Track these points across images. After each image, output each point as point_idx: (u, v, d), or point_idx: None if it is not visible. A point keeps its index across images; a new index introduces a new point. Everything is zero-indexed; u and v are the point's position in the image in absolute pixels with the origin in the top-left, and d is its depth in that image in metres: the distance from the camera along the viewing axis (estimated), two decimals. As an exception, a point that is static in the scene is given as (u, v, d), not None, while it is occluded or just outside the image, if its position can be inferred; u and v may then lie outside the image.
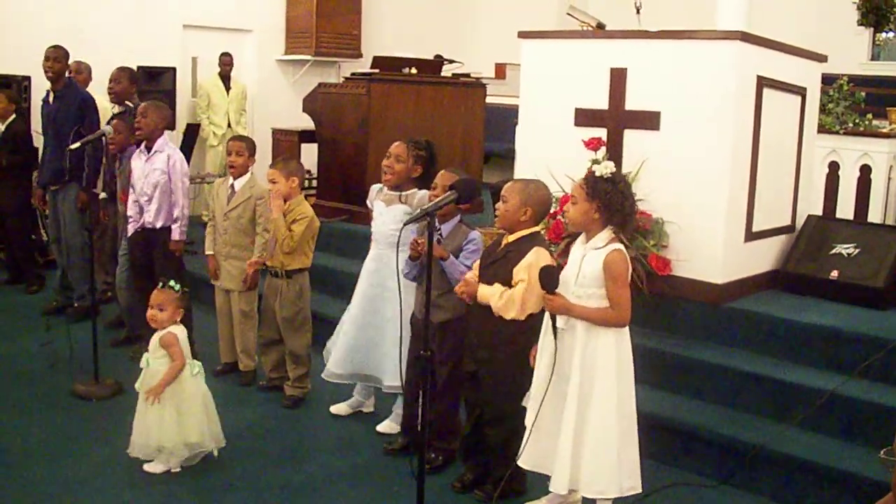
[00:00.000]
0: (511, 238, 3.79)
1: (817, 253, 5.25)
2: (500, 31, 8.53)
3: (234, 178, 5.29)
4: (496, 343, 3.78)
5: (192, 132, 9.18)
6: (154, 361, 4.15)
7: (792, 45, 5.27)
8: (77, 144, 5.29)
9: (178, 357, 4.13)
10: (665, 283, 4.86)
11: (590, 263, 3.46)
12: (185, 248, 5.69)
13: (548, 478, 3.58)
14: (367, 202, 4.81)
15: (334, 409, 4.96)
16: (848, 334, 4.48)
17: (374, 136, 7.14)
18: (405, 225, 3.54)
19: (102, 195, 6.22)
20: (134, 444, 4.14)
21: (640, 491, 3.56)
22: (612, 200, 3.44)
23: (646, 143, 5.00)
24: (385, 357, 4.58)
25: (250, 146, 5.34)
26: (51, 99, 6.48)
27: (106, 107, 6.96)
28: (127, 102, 6.45)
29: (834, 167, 7.10)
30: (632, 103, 5.05)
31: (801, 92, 5.44)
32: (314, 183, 8.29)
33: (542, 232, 4.66)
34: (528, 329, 3.73)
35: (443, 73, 8.18)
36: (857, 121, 7.24)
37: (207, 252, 5.39)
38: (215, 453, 4.22)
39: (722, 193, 4.80)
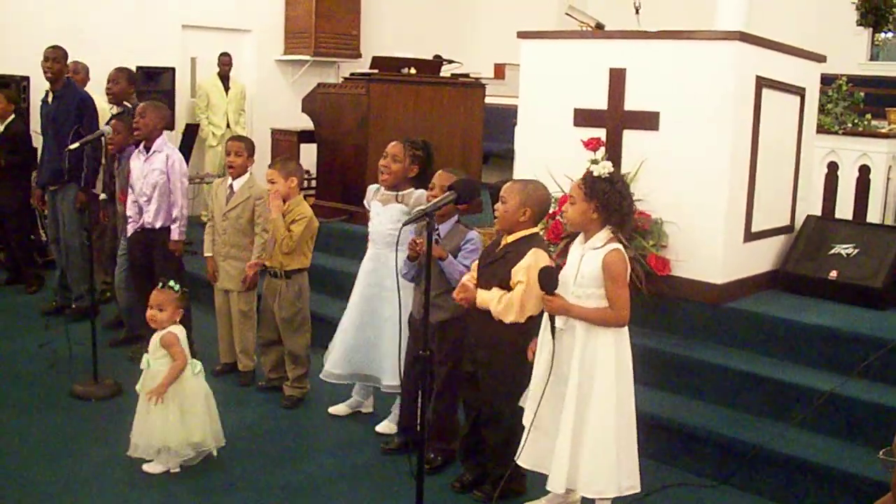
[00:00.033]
0: (510, 239, 3.79)
1: (816, 253, 5.25)
2: (499, 32, 8.54)
3: (233, 179, 5.29)
4: (495, 344, 3.78)
5: (191, 132, 9.18)
6: (154, 362, 4.15)
7: (791, 46, 5.27)
8: (76, 145, 5.29)
9: (180, 357, 4.13)
10: (664, 284, 4.86)
11: (588, 263, 3.46)
12: (185, 248, 5.69)
13: (547, 477, 3.58)
14: (365, 202, 4.81)
15: (333, 409, 4.96)
16: (847, 334, 4.49)
17: (373, 136, 7.14)
18: (404, 225, 3.54)
19: (102, 196, 6.22)
20: (136, 446, 4.13)
21: (639, 490, 3.56)
22: (610, 200, 3.44)
23: (645, 144, 5.00)
24: (384, 357, 4.59)
25: (249, 146, 5.34)
26: (50, 99, 6.48)
27: (104, 108, 6.96)
28: (125, 103, 6.44)
29: (833, 167, 7.10)
30: (631, 103, 5.05)
31: (800, 92, 5.44)
32: (313, 183, 8.29)
33: (542, 232, 4.67)
34: (526, 330, 3.73)
35: (442, 74, 8.19)
36: (855, 121, 7.24)
37: (206, 254, 5.39)
38: (214, 453, 4.22)
39: (721, 194, 4.80)
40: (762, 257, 5.27)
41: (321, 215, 5.97)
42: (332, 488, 4.10)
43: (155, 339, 4.18)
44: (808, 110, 5.59)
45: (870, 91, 8.10)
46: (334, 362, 4.73)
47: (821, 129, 6.60)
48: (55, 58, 6.33)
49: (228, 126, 9.66)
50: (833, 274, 5.09)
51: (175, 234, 5.45)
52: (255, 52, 10.55)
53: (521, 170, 5.50)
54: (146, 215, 5.44)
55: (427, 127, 7.39)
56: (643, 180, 4.94)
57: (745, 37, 4.81)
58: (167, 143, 5.52)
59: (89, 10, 8.86)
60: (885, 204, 6.96)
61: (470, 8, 12.54)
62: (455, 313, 4.02)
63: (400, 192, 4.59)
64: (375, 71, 7.52)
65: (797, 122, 5.49)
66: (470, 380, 3.95)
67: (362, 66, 8.94)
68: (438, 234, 4.11)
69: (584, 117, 5.25)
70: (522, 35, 5.61)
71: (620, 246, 3.47)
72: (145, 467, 4.13)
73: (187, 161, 6.63)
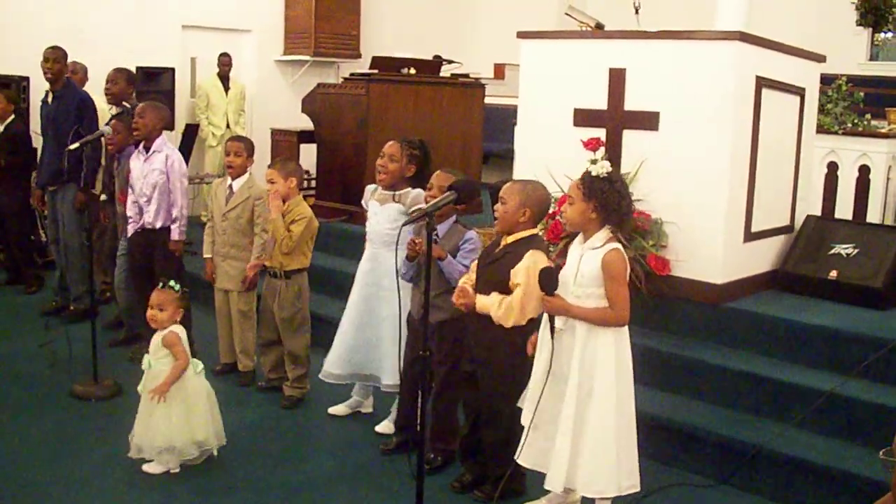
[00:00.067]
0: (510, 239, 3.79)
1: (816, 253, 5.25)
2: (498, 32, 8.53)
3: (233, 179, 5.29)
4: (493, 344, 3.78)
5: (191, 132, 9.18)
6: (156, 362, 4.15)
7: (791, 46, 5.27)
8: (76, 145, 5.28)
9: (182, 356, 4.14)
10: (664, 284, 4.86)
11: (588, 263, 3.46)
12: (185, 248, 5.69)
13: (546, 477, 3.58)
14: (363, 202, 4.82)
15: (333, 409, 4.96)
16: (847, 334, 4.49)
17: (373, 136, 7.14)
18: (404, 225, 3.55)
19: (103, 197, 6.22)
20: (138, 447, 4.13)
21: (638, 490, 3.56)
22: (608, 200, 3.44)
23: (645, 144, 5.00)
24: (383, 356, 4.59)
25: (248, 146, 5.34)
26: (49, 99, 6.48)
27: (103, 108, 6.96)
28: (124, 103, 6.44)
29: (833, 167, 7.10)
30: (631, 103, 5.06)
31: (799, 92, 5.44)
32: (313, 183, 8.29)
33: (541, 232, 4.67)
34: (526, 330, 3.73)
35: (442, 74, 8.18)
36: (855, 121, 7.24)
37: (205, 255, 5.39)
38: (215, 452, 4.23)
39: (721, 194, 4.80)
40: (762, 257, 5.27)
41: (321, 215, 5.97)
42: (331, 488, 4.10)
43: (156, 339, 4.18)
44: (808, 110, 5.59)
45: (869, 91, 8.10)
46: (333, 362, 4.73)
47: (821, 129, 6.60)
48: (55, 58, 6.33)
49: (228, 126, 9.66)
50: (833, 274, 5.09)
51: (175, 234, 5.45)
52: (254, 52, 10.55)
53: (520, 170, 5.50)
54: (146, 215, 5.44)
55: (427, 127, 7.39)
56: (643, 180, 4.94)
57: (744, 37, 4.81)
58: (167, 143, 5.52)
59: (89, 10, 8.86)
60: (885, 204, 6.96)
61: (470, 8, 12.54)
62: (454, 313, 4.02)
63: (397, 192, 4.59)
64: (375, 71, 7.52)
65: (797, 122, 5.49)
66: (469, 380, 3.95)
67: (362, 66, 8.94)
68: (437, 234, 4.11)
69: (583, 117, 5.25)
70: (522, 35, 5.61)
71: (620, 245, 3.47)
72: (145, 467, 4.13)
73: (187, 161, 6.63)
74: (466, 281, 3.92)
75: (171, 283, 4.22)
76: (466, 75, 8.27)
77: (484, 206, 7.40)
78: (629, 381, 3.54)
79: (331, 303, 5.99)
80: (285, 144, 8.63)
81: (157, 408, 4.06)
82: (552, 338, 3.49)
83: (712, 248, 4.85)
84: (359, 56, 10.76)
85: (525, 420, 3.64)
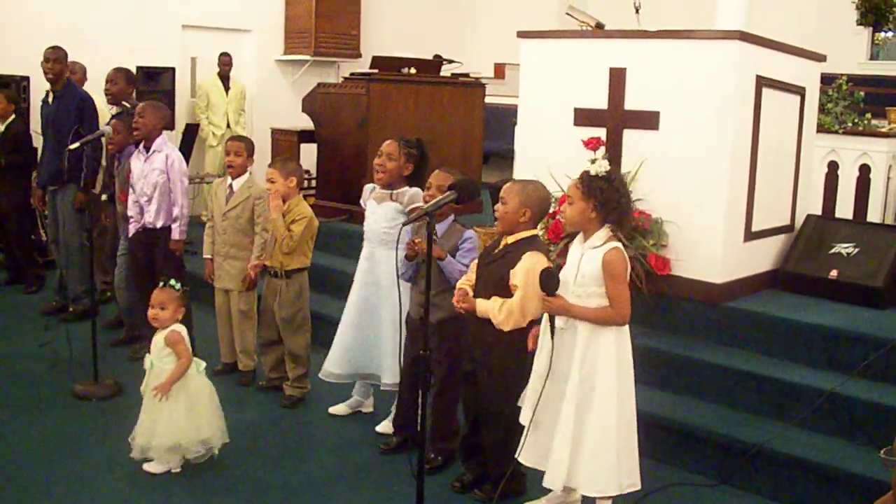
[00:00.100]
0: (510, 240, 3.79)
1: (816, 252, 5.25)
2: (499, 31, 8.54)
3: (233, 179, 5.29)
4: (493, 343, 3.77)
5: (192, 132, 9.18)
6: (159, 361, 4.15)
7: (791, 45, 5.27)
8: (76, 145, 5.29)
9: (185, 355, 4.14)
10: (664, 283, 4.86)
11: (588, 262, 3.46)
12: (185, 247, 5.69)
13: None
14: (361, 202, 4.83)
15: (333, 409, 4.96)
16: (847, 333, 4.49)
17: (373, 136, 7.14)
18: (405, 224, 3.55)
19: (104, 197, 6.22)
20: (142, 448, 4.12)
21: (639, 488, 3.56)
22: (608, 198, 3.44)
23: (645, 143, 5.00)
24: (382, 355, 4.60)
25: (249, 146, 5.34)
26: (50, 99, 6.48)
27: (103, 108, 6.96)
28: (124, 103, 6.44)
29: (833, 167, 7.10)
30: (631, 103, 5.05)
31: (800, 91, 5.44)
32: (313, 183, 8.29)
33: (542, 232, 4.67)
34: (525, 331, 3.73)
35: (442, 73, 8.18)
36: (856, 120, 7.24)
37: (205, 256, 5.39)
38: (216, 451, 4.23)
39: (721, 193, 4.80)
40: (762, 257, 5.27)
41: (321, 215, 5.97)
42: (332, 488, 4.10)
43: (159, 338, 4.18)
44: (809, 110, 5.59)
45: (870, 90, 8.08)
46: (333, 362, 4.74)
47: (821, 128, 6.59)
48: (56, 58, 6.33)
49: (228, 126, 9.67)
50: (833, 273, 5.09)
51: (176, 234, 5.45)
52: (255, 51, 10.56)
53: (521, 169, 5.50)
54: (147, 215, 5.44)
55: (427, 127, 7.39)
56: (643, 180, 4.94)
57: (745, 36, 4.81)
58: (167, 143, 5.52)
59: (89, 10, 8.87)
60: (886, 203, 6.96)
61: (470, 8, 12.54)
62: (453, 313, 4.02)
63: (394, 191, 4.60)
64: (375, 71, 7.52)
65: (797, 121, 5.49)
66: (468, 379, 3.95)
67: (362, 65, 8.95)
68: (435, 234, 4.11)
69: (584, 117, 5.25)
70: (522, 35, 5.61)
71: (620, 244, 3.47)
72: (146, 466, 4.14)
73: (187, 161, 6.63)
74: (466, 282, 3.91)
75: (172, 281, 4.23)
76: (467, 75, 8.27)
77: (484, 205, 7.40)
78: (630, 379, 3.54)
79: (331, 302, 5.99)
80: (285, 144, 8.63)
81: (162, 407, 4.07)
82: (552, 337, 3.49)
83: (712, 247, 4.85)
84: (359, 56, 10.77)
85: (524, 419, 3.64)
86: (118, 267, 5.92)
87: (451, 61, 8.30)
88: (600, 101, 5.15)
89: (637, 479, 3.54)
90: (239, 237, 5.26)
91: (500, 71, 11.46)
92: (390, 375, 4.54)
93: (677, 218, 4.85)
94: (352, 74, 7.75)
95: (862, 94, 7.51)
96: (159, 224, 5.43)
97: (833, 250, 5.20)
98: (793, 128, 5.46)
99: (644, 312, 4.62)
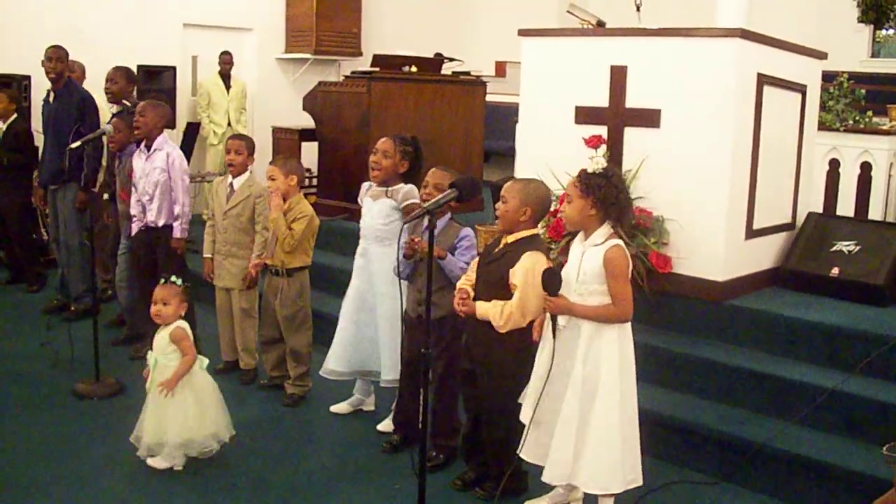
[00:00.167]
0: (510, 239, 3.79)
1: (818, 250, 5.25)
2: (500, 29, 8.53)
3: (234, 177, 5.29)
4: (492, 342, 3.77)
5: (193, 131, 9.18)
6: (163, 358, 4.15)
7: (792, 43, 5.26)
8: (77, 144, 5.29)
9: (190, 351, 4.16)
10: (666, 281, 4.86)
11: (590, 260, 3.46)
12: (187, 246, 5.69)
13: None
14: (358, 199, 4.84)
15: (335, 407, 4.96)
16: (849, 331, 4.48)
17: (374, 134, 7.11)
18: (406, 222, 3.56)
19: (105, 197, 6.22)
20: (151, 445, 4.12)
21: (641, 484, 3.56)
22: (606, 194, 3.44)
23: (646, 141, 4.99)
24: (380, 351, 4.62)
25: (249, 145, 5.34)
26: (51, 98, 6.49)
27: (103, 107, 6.96)
28: (124, 102, 6.44)
29: (834, 164, 7.09)
30: (632, 101, 5.05)
31: (801, 89, 5.43)
32: (314, 181, 8.29)
33: (543, 230, 4.67)
34: (524, 330, 3.73)
35: (443, 72, 8.18)
36: (857, 118, 7.23)
37: (205, 255, 5.40)
38: (216, 446, 4.24)
39: (722, 191, 4.80)
40: (763, 254, 5.26)
41: (322, 213, 5.97)
42: (333, 486, 4.10)
43: (163, 335, 4.19)
44: (810, 107, 5.58)
45: (871, 88, 8.07)
46: (334, 359, 4.76)
47: (822, 126, 6.59)
48: (58, 57, 6.34)
49: (230, 124, 9.66)
50: (834, 271, 5.08)
51: (177, 232, 5.45)
52: (256, 50, 10.56)
53: (522, 167, 5.50)
54: (149, 214, 5.45)
55: (428, 125, 7.40)
56: (644, 178, 4.94)
57: (746, 34, 4.81)
58: (167, 141, 5.52)
59: (89, 10, 8.87)
60: (887, 201, 6.95)
61: (471, 6, 12.54)
62: (451, 310, 4.02)
63: (389, 188, 4.61)
64: (376, 69, 7.52)
65: (798, 119, 5.48)
66: (468, 378, 3.95)
67: (363, 64, 8.95)
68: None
69: (585, 115, 5.24)
70: (523, 33, 5.61)
71: (621, 242, 3.47)
72: (150, 462, 4.15)
73: (188, 160, 6.63)
74: (466, 282, 3.91)
75: (174, 277, 4.24)
76: (468, 73, 8.27)
77: (485, 204, 7.39)
78: (632, 377, 3.54)
79: (332, 300, 5.98)
80: (286, 143, 8.64)
81: (169, 404, 4.08)
82: (554, 336, 3.49)
83: (714, 245, 4.84)
84: (360, 54, 10.76)
85: (525, 417, 3.64)
86: (119, 265, 5.92)
87: (451, 59, 8.30)
88: (601, 99, 5.15)
89: (639, 474, 3.55)
90: (240, 236, 5.26)
91: (500, 69, 11.46)
92: (389, 372, 4.56)
93: (679, 216, 4.85)
94: (353, 73, 7.75)
95: (863, 91, 7.50)
96: (161, 223, 5.43)
97: (834, 248, 5.20)
98: (794, 125, 5.46)
99: (645, 310, 4.62)
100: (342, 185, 7.52)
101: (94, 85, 7.25)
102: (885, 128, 7.16)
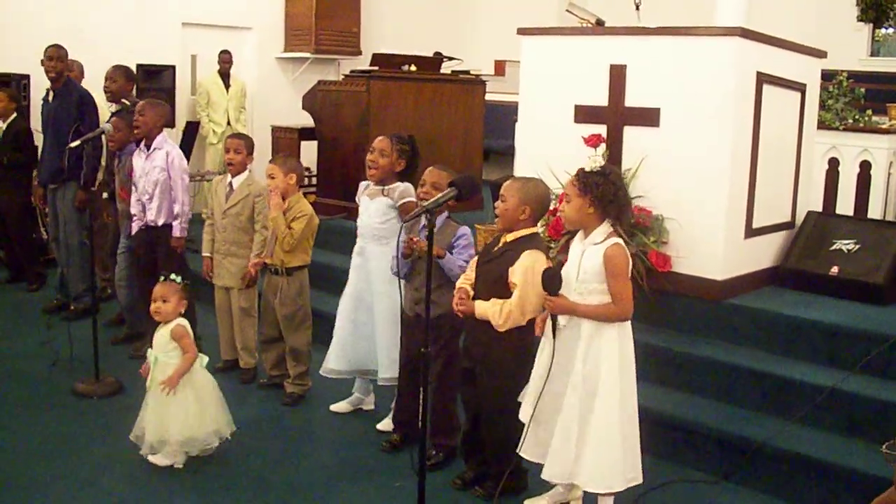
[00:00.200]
0: (510, 238, 3.79)
1: (817, 249, 5.25)
2: (499, 28, 8.53)
3: (233, 176, 5.29)
4: (491, 341, 3.77)
5: (192, 130, 9.17)
6: (164, 356, 4.15)
7: (791, 42, 5.26)
8: (76, 143, 5.29)
9: (191, 348, 4.17)
10: (665, 280, 4.86)
11: (589, 259, 3.46)
12: (187, 244, 5.70)
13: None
14: (356, 199, 4.84)
15: (334, 406, 4.97)
16: (848, 330, 4.48)
17: (373, 133, 7.08)
18: (405, 222, 3.56)
19: (104, 196, 6.22)
20: (153, 443, 4.12)
21: (641, 482, 3.57)
22: (604, 192, 3.44)
23: (645, 140, 4.99)
24: (378, 350, 4.62)
25: (248, 144, 5.34)
26: (50, 97, 6.48)
27: (102, 106, 6.96)
28: (123, 101, 6.44)
29: (834, 163, 7.10)
30: (631, 100, 5.05)
31: (800, 88, 5.43)
32: (314, 180, 8.29)
33: (543, 229, 4.67)
34: (524, 329, 3.73)
35: (442, 71, 8.18)
36: (856, 117, 7.23)
37: (204, 254, 5.40)
38: (228, 437, 4.25)
39: (722, 190, 4.80)
40: (763, 253, 5.26)
41: (322, 212, 5.97)
42: (333, 485, 4.10)
43: (163, 333, 4.19)
44: (809, 106, 5.58)
45: (870, 87, 8.08)
46: (333, 358, 4.76)
47: (821, 124, 6.59)
48: (58, 56, 6.34)
49: (229, 123, 9.66)
50: (834, 270, 5.09)
51: (177, 231, 5.46)
52: (255, 49, 10.56)
53: (521, 166, 5.50)
54: (149, 213, 5.45)
55: (428, 124, 7.40)
56: (644, 177, 4.94)
57: (745, 33, 4.81)
58: (167, 140, 5.52)
59: (89, 10, 8.87)
60: (886, 200, 6.96)
61: (470, 5, 12.54)
62: (448, 308, 4.02)
63: (386, 187, 4.61)
64: (376, 68, 7.52)
65: (798, 118, 5.48)
66: (467, 377, 3.95)
67: (363, 63, 8.94)
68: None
69: (584, 114, 5.24)
70: (523, 32, 5.61)
71: (621, 240, 3.47)
72: (152, 458, 4.15)
73: (188, 158, 6.63)
74: (466, 281, 3.91)
75: (173, 275, 4.24)
76: (467, 72, 8.26)
77: (485, 202, 7.39)
78: (632, 375, 3.54)
79: (331, 299, 5.94)
80: (286, 142, 8.62)
81: (170, 402, 4.08)
82: (554, 335, 3.49)
83: (713, 244, 4.85)
84: (359, 53, 10.76)
85: (524, 416, 3.64)
86: (119, 264, 5.92)
87: (451, 58, 8.30)
88: (601, 98, 5.15)
89: (639, 473, 3.55)
90: (239, 235, 5.26)
91: (500, 68, 11.46)
92: (386, 370, 4.56)
93: (678, 215, 4.85)
94: (352, 72, 7.74)
95: (862, 90, 7.51)
96: (161, 221, 5.43)
97: (834, 247, 5.20)
98: (793, 124, 5.46)
99: (645, 309, 4.62)
100: (341, 184, 7.51)
101: (94, 84, 7.25)
102: (884, 126, 7.16)
